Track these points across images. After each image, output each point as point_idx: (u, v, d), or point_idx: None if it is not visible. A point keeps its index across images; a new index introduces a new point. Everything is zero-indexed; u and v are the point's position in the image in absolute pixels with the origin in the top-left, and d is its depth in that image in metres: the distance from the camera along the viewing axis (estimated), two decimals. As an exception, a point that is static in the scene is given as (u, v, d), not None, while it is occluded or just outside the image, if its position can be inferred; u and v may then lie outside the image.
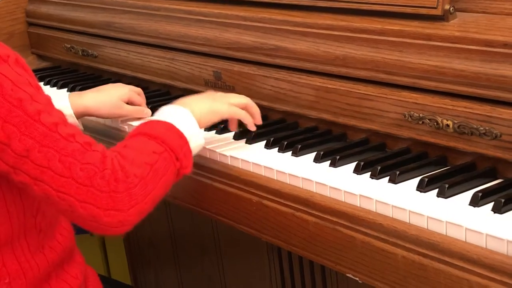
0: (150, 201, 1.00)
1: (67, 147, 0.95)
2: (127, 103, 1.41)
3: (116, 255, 2.29)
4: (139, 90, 1.44)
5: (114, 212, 0.96)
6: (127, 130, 1.43)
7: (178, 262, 2.02)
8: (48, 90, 1.76)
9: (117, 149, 1.02)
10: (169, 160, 1.04)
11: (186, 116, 1.12)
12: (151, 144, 1.04)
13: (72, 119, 1.35)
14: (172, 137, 1.06)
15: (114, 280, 1.50)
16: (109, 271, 2.32)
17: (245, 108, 1.24)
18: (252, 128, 1.25)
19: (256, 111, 1.25)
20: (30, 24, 2.02)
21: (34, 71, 1.90)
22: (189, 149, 1.08)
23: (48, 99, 0.99)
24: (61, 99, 1.35)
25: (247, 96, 1.38)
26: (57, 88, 1.76)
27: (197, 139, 1.12)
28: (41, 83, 1.83)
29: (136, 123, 1.42)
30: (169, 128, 1.07)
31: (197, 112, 1.14)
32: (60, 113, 0.99)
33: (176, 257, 2.02)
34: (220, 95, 1.23)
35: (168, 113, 1.12)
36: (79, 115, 1.37)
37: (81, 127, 1.38)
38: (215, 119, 1.19)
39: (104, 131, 1.47)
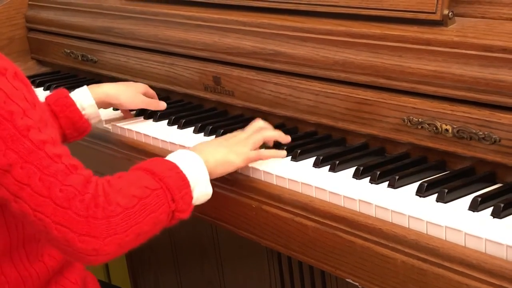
0: (132, 235, 0.96)
1: (51, 167, 0.93)
2: None
3: (116, 260, 2.29)
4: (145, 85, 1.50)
5: (88, 239, 0.92)
6: (126, 134, 1.44)
7: (178, 267, 2.02)
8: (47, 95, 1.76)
9: (109, 177, 0.99)
10: (163, 199, 1.00)
11: (197, 162, 1.08)
12: (147, 179, 1.01)
13: (93, 109, 1.35)
14: (172, 177, 1.02)
15: (114, 286, 1.50)
16: (109, 276, 2.32)
17: (263, 141, 1.21)
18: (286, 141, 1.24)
19: (277, 136, 1.22)
20: (30, 29, 2.02)
21: (34, 76, 1.93)
22: (189, 193, 1.04)
23: (42, 117, 0.97)
24: (81, 90, 1.36)
25: (247, 101, 1.39)
26: (57, 93, 1.76)
27: (204, 187, 1.08)
28: (41, 88, 1.83)
29: (135, 128, 1.43)
30: (171, 168, 1.04)
31: (212, 161, 1.10)
32: (53, 133, 0.96)
33: (176, 262, 2.02)
34: (236, 141, 1.17)
35: (178, 155, 1.09)
36: (100, 104, 1.38)
37: (100, 118, 1.39)
38: (230, 169, 1.15)
39: (104, 137, 1.48)
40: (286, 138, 1.23)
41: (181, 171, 1.04)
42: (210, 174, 1.09)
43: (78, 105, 1.34)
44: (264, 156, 1.19)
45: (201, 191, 1.07)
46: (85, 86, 1.38)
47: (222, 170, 1.13)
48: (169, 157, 1.08)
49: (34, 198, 0.92)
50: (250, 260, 1.75)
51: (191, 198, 1.05)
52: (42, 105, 1.04)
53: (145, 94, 1.46)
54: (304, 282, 1.59)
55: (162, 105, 1.46)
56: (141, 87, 1.46)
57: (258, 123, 1.23)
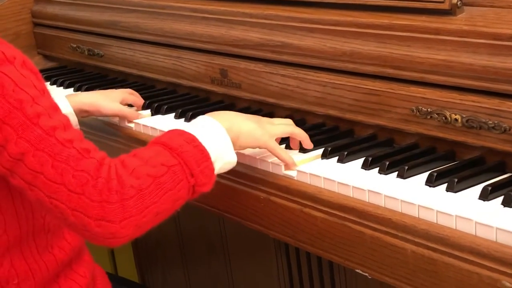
0: (150, 215, 0.95)
1: (62, 153, 0.92)
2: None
3: (123, 255, 2.29)
4: (129, 90, 1.50)
5: (105, 223, 0.91)
6: (133, 128, 1.44)
7: (185, 261, 2.02)
8: (54, 90, 1.76)
9: (123, 157, 0.98)
10: (181, 175, 0.98)
11: (219, 132, 1.05)
12: (164, 155, 0.98)
13: (72, 117, 1.35)
14: (190, 151, 1.00)
15: (123, 278, 1.50)
16: (117, 271, 2.33)
17: (290, 135, 1.18)
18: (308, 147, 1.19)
19: (303, 136, 1.18)
20: (36, 24, 2.02)
21: (41, 71, 1.89)
22: (209, 166, 1.01)
23: (52, 103, 0.96)
24: (59, 99, 1.34)
25: (254, 93, 1.38)
26: (63, 88, 1.76)
27: (227, 156, 1.05)
28: (47, 83, 1.83)
29: (143, 121, 1.43)
30: (190, 140, 1.01)
31: (236, 130, 1.08)
32: (63, 118, 0.96)
33: (184, 257, 2.02)
34: (267, 121, 1.16)
35: (200, 124, 1.06)
36: (77, 112, 1.38)
37: (78, 127, 1.37)
38: (254, 144, 1.12)
39: (110, 130, 1.47)
40: (309, 144, 1.18)
41: (200, 143, 1.01)
42: (234, 143, 1.06)
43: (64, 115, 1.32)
44: (283, 153, 1.14)
45: (224, 160, 1.05)
46: (63, 95, 1.38)
47: (247, 142, 1.10)
48: (189, 126, 1.05)
49: (48, 186, 0.92)
50: (257, 254, 1.74)
51: (212, 170, 1.02)
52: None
53: (124, 100, 1.46)
54: (313, 274, 1.59)
55: (139, 115, 1.45)
56: (119, 95, 1.45)
57: (288, 120, 1.20)
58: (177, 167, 0.98)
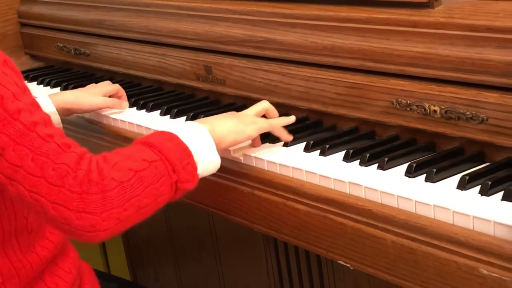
0: (131, 208, 0.95)
1: (43, 147, 0.93)
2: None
3: (115, 254, 2.30)
4: (109, 82, 1.52)
5: (85, 215, 0.91)
6: (108, 123, 1.45)
7: (176, 259, 2.03)
8: (41, 89, 1.77)
9: (104, 153, 0.99)
10: (162, 170, 0.98)
11: (201, 133, 1.06)
12: (145, 151, 0.99)
13: (54, 116, 1.35)
14: (171, 148, 1.00)
15: (112, 276, 1.50)
16: (109, 270, 2.33)
17: (266, 113, 1.20)
18: (287, 138, 1.20)
19: (281, 121, 1.21)
20: (23, 24, 2.02)
21: (28, 71, 1.93)
22: (191, 163, 1.02)
23: (34, 101, 0.97)
24: (41, 98, 1.35)
25: (238, 89, 1.39)
26: (50, 87, 1.77)
27: (211, 157, 1.06)
28: (34, 83, 1.84)
29: (128, 118, 1.44)
30: (171, 139, 1.02)
31: (218, 130, 1.09)
32: (45, 115, 0.96)
33: (175, 254, 2.03)
34: (244, 114, 1.18)
35: (180, 127, 1.07)
36: (60, 111, 1.39)
37: (61, 126, 1.37)
38: (241, 138, 1.13)
39: (85, 126, 1.48)
40: (290, 119, 1.21)
41: (182, 141, 1.02)
42: (219, 143, 1.08)
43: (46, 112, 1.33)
44: (275, 124, 1.17)
45: (208, 161, 1.05)
46: (46, 95, 1.38)
47: (233, 139, 1.12)
48: (170, 129, 1.06)
49: (28, 179, 0.92)
50: (247, 250, 1.75)
51: (195, 168, 1.03)
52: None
53: (106, 93, 1.46)
54: (301, 269, 1.60)
55: (125, 105, 1.47)
56: (99, 89, 1.46)
57: (265, 102, 1.21)
58: (159, 162, 0.98)
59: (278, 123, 1.19)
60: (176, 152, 1.01)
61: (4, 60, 0.97)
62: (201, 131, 1.06)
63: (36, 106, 0.97)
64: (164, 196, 1.00)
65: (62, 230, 0.95)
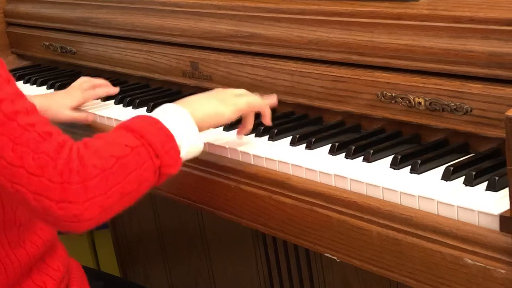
0: (115, 196, 0.93)
1: (23, 136, 0.90)
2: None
3: (105, 252, 2.30)
4: (86, 78, 1.51)
5: (67, 205, 0.89)
6: (94, 119, 1.46)
7: (166, 256, 2.03)
8: (27, 88, 1.76)
9: (85, 139, 0.97)
10: (145, 156, 0.97)
11: (182, 116, 1.05)
12: (127, 137, 0.97)
13: None
14: (154, 132, 0.99)
15: (102, 272, 1.50)
16: (99, 269, 2.33)
17: (256, 109, 1.17)
18: (267, 122, 1.19)
19: (266, 111, 1.18)
20: (9, 24, 2.01)
21: (14, 70, 1.92)
22: (174, 147, 1.00)
23: (17, 91, 0.94)
24: None
25: (225, 85, 1.39)
26: (36, 86, 1.76)
27: (193, 140, 1.04)
28: (21, 82, 1.83)
29: (116, 115, 1.43)
30: (153, 123, 1.00)
31: (199, 114, 1.07)
32: (28, 104, 0.94)
33: (164, 252, 2.03)
34: (229, 93, 1.16)
35: (162, 110, 1.05)
36: None
37: None
38: (221, 121, 1.12)
39: (83, 126, 1.48)
40: (273, 100, 1.20)
41: (164, 126, 1.00)
42: (199, 126, 1.06)
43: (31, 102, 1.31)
44: (256, 104, 1.15)
45: (191, 144, 1.04)
46: None
47: (213, 121, 1.10)
48: (152, 113, 1.05)
49: (8, 170, 0.90)
50: (236, 246, 1.75)
51: (178, 151, 1.01)
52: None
53: (78, 103, 1.45)
54: (290, 263, 1.60)
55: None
56: (74, 101, 1.45)
57: (243, 90, 1.20)
58: (141, 148, 0.97)
59: (259, 104, 1.17)
60: (158, 137, 0.99)
61: None
62: (183, 114, 1.05)
63: (19, 95, 0.94)
64: (147, 182, 0.98)
65: (45, 220, 0.93)
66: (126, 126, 1.00)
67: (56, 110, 1.43)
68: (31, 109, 0.94)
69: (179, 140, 1.01)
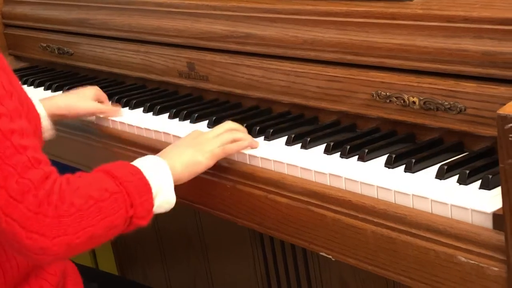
0: (84, 237, 0.93)
1: (13, 157, 0.90)
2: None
3: (104, 253, 2.30)
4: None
5: (36, 236, 0.89)
6: (91, 120, 1.45)
7: (164, 257, 2.03)
8: (25, 89, 1.76)
9: (68, 175, 0.97)
10: (121, 204, 0.97)
11: (162, 169, 1.05)
12: (107, 182, 0.98)
13: (45, 121, 1.33)
14: (133, 182, 0.99)
15: (97, 270, 1.50)
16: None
17: (234, 141, 1.16)
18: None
19: (248, 139, 1.17)
20: (6, 25, 2.02)
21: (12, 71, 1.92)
22: (149, 200, 1.01)
23: (18, 108, 0.94)
24: (34, 102, 1.34)
25: (221, 85, 1.40)
26: (34, 87, 1.77)
27: (167, 195, 1.05)
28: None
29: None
30: (134, 173, 1.01)
31: (178, 166, 1.08)
32: (24, 125, 0.94)
33: (163, 253, 2.03)
34: (205, 138, 1.15)
35: (144, 161, 1.06)
36: (52, 116, 1.36)
37: (53, 131, 1.36)
38: (199, 170, 1.12)
39: (81, 127, 1.48)
40: (255, 144, 1.17)
41: (144, 177, 1.01)
42: (177, 180, 1.07)
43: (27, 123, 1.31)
44: (230, 149, 1.15)
45: (164, 198, 1.04)
46: (37, 99, 1.36)
47: (191, 171, 1.11)
48: (134, 162, 1.05)
49: None
50: (234, 247, 1.76)
51: (152, 205, 1.01)
52: (23, 96, 1.02)
53: (97, 97, 1.44)
54: (287, 262, 1.61)
55: (120, 112, 1.44)
56: (92, 92, 1.43)
57: (228, 123, 1.19)
58: (119, 195, 0.97)
59: (234, 150, 1.16)
60: (137, 187, 0.99)
61: None
62: (163, 169, 1.05)
63: (18, 113, 0.94)
64: (116, 229, 0.98)
65: (10, 244, 0.92)
66: (108, 171, 1.00)
67: (80, 102, 1.40)
68: (26, 131, 0.94)
69: (155, 193, 1.02)
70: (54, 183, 0.92)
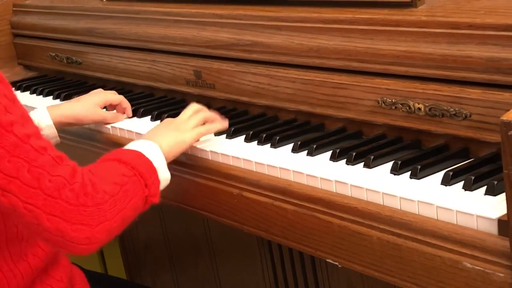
0: (119, 221, 1.00)
1: (38, 159, 0.94)
2: (108, 108, 1.47)
3: (113, 259, 2.31)
4: (114, 92, 1.50)
5: (81, 227, 0.94)
6: (110, 132, 1.46)
7: (173, 264, 2.04)
8: (34, 98, 1.78)
9: (88, 167, 1.02)
10: (138, 185, 1.05)
11: (155, 149, 1.13)
12: (121, 168, 1.05)
13: (51, 129, 1.36)
14: (142, 164, 1.07)
15: (103, 274, 1.51)
16: (107, 277, 2.34)
17: (205, 120, 1.26)
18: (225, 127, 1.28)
19: (214, 118, 1.27)
20: (16, 35, 2.04)
21: (21, 81, 1.94)
22: (157, 179, 1.09)
23: (23, 112, 0.98)
24: (40, 111, 1.37)
25: (228, 93, 1.41)
26: (43, 96, 1.78)
27: (164, 172, 1.12)
28: (27, 92, 1.85)
29: (119, 124, 1.45)
30: (139, 156, 1.09)
31: (165, 146, 1.15)
32: (34, 127, 0.98)
33: (171, 260, 2.04)
34: (180, 121, 1.23)
35: (138, 145, 1.13)
36: (58, 124, 1.39)
37: (58, 139, 1.38)
38: (183, 148, 1.20)
39: (87, 134, 1.49)
40: (224, 122, 1.27)
41: (148, 159, 1.08)
42: (166, 158, 1.14)
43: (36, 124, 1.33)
44: (212, 128, 1.25)
45: (163, 176, 1.11)
46: (44, 107, 1.39)
47: (177, 151, 1.18)
48: (129, 147, 1.12)
49: (23, 190, 0.93)
50: (242, 253, 1.76)
51: (159, 182, 1.09)
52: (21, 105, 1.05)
53: (107, 102, 1.45)
54: (296, 271, 1.61)
55: (121, 118, 1.47)
56: (100, 99, 1.44)
57: (194, 105, 1.27)
58: (135, 178, 1.04)
59: (214, 129, 1.26)
60: (145, 168, 1.07)
61: None
62: (156, 149, 1.12)
63: (26, 118, 0.98)
64: (139, 209, 1.06)
65: (53, 241, 0.95)
66: (118, 159, 1.06)
67: (85, 111, 1.42)
68: (38, 132, 0.98)
69: (158, 172, 1.09)
70: (83, 175, 0.97)
